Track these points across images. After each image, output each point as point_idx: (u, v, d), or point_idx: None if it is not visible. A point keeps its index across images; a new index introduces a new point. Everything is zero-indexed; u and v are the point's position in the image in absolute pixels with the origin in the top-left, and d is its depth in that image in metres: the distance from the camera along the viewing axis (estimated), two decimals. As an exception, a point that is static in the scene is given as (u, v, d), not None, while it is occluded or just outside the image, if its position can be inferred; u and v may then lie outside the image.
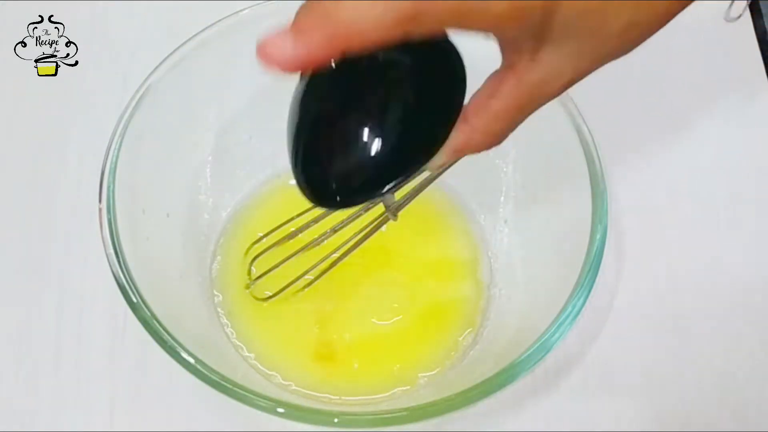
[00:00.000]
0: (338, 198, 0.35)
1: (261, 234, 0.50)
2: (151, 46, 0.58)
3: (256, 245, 0.50)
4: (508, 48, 0.32)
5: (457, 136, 0.34)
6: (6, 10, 0.61)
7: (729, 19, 0.45)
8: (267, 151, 0.52)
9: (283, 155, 0.35)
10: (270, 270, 0.48)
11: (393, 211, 0.45)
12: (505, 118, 0.33)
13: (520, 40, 0.31)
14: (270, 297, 0.49)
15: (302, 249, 0.47)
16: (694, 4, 0.32)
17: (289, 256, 0.47)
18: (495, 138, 0.34)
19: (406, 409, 0.38)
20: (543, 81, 0.32)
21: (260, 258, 0.49)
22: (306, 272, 0.47)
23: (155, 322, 0.39)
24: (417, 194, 0.45)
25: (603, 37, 0.30)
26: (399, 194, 0.46)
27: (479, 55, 0.33)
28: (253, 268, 0.50)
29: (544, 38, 0.30)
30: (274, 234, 0.49)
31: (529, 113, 0.33)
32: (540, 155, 0.49)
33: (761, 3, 0.62)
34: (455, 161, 0.37)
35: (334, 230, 0.46)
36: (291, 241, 0.48)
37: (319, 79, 0.33)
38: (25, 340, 0.49)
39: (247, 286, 0.49)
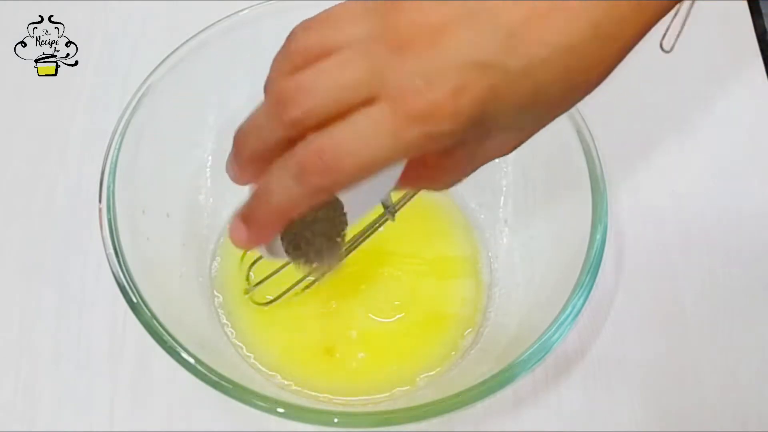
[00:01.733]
0: None
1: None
2: (151, 46, 0.58)
3: (251, 251, 0.50)
4: None
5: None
6: (6, 10, 0.61)
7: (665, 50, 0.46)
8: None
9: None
10: (269, 276, 0.48)
11: (392, 211, 0.45)
12: (455, 173, 0.36)
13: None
14: (271, 302, 0.49)
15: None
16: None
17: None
18: (446, 185, 0.37)
19: (406, 409, 0.38)
20: (489, 151, 0.34)
21: (259, 262, 0.49)
22: (307, 275, 0.47)
23: (155, 322, 0.39)
24: (414, 195, 0.45)
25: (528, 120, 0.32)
26: (398, 195, 0.46)
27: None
28: (251, 272, 0.49)
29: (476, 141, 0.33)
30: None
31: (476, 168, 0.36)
32: (540, 155, 0.49)
33: (761, 3, 0.62)
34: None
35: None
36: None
37: None
38: (25, 340, 0.49)
39: (246, 292, 0.49)
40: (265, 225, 0.33)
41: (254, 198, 0.33)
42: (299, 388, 0.47)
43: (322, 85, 0.29)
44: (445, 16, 0.28)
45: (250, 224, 0.33)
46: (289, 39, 0.31)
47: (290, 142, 0.30)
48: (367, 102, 0.29)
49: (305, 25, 0.31)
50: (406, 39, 0.28)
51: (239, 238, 0.34)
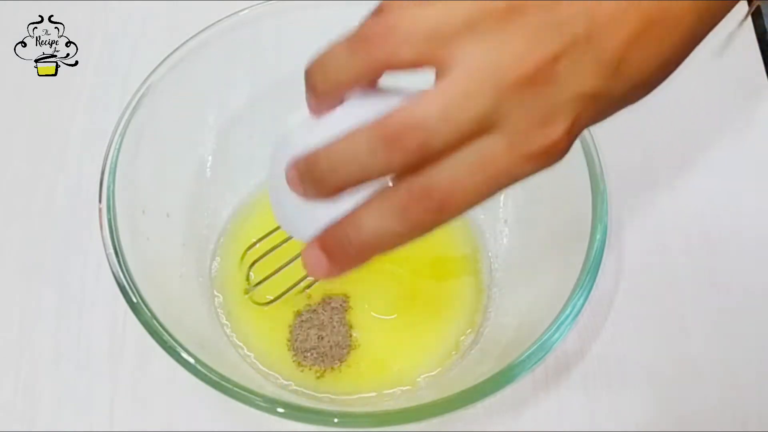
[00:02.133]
0: None
1: (255, 239, 0.50)
2: (151, 46, 0.59)
3: (251, 250, 0.50)
4: None
5: None
6: (6, 10, 0.61)
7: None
8: (267, 151, 0.52)
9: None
10: (269, 276, 0.48)
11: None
12: None
13: None
14: (271, 302, 0.49)
15: (301, 252, 0.47)
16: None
17: (290, 260, 0.47)
18: None
19: (406, 409, 0.38)
20: None
21: (259, 262, 0.49)
22: (306, 275, 0.47)
23: (155, 322, 0.39)
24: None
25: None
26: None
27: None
28: (251, 272, 0.49)
29: None
30: (271, 237, 0.49)
31: None
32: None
33: (761, 3, 0.62)
34: None
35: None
36: (288, 243, 0.48)
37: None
38: (25, 341, 0.49)
39: (246, 292, 0.49)
40: (352, 258, 0.31)
41: (340, 229, 0.31)
42: (299, 388, 0.47)
43: (447, 120, 0.28)
44: (554, 45, 0.28)
45: (334, 256, 0.31)
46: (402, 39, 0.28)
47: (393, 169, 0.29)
48: (481, 132, 0.28)
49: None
50: (524, 72, 0.28)
51: (319, 269, 0.31)
